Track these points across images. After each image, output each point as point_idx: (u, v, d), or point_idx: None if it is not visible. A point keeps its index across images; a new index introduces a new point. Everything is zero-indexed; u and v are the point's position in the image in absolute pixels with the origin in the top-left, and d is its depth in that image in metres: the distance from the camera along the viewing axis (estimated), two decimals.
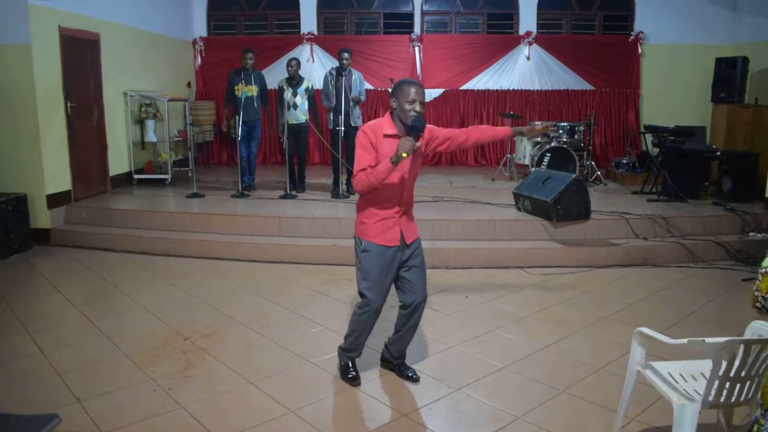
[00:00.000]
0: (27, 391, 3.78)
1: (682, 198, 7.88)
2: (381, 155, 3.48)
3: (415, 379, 3.95)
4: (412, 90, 3.49)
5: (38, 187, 7.23)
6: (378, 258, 3.64)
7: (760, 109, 8.97)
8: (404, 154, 3.36)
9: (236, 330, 4.78)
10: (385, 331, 4.25)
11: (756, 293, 2.41)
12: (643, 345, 3.02)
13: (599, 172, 9.54)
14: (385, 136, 3.53)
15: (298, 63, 8.45)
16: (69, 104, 7.58)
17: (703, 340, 2.59)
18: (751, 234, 7.05)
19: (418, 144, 3.47)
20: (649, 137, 9.00)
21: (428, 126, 3.69)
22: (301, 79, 8.37)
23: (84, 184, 8.02)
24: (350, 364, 3.99)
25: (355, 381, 3.92)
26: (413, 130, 3.46)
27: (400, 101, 3.52)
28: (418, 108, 3.48)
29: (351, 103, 7.85)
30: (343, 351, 3.99)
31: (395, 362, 4.06)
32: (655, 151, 8.93)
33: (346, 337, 3.95)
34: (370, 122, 3.67)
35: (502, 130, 3.87)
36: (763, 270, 2.39)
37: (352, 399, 3.76)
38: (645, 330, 2.96)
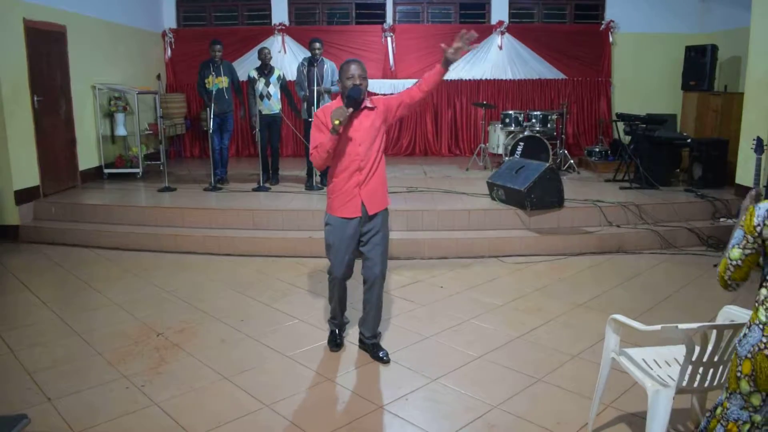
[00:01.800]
0: None
1: (654, 185, 7.96)
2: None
3: (385, 361, 4.09)
4: (352, 66, 3.82)
5: (5, 182, 7.09)
6: (338, 230, 3.94)
7: (729, 97, 9.08)
8: (336, 122, 3.63)
9: (210, 325, 4.73)
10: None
11: (729, 281, 2.44)
12: (618, 332, 3.04)
13: (572, 161, 9.60)
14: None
15: (270, 51, 8.39)
16: (36, 98, 7.42)
17: (677, 327, 2.61)
18: (722, 220, 7.14)
19: (350, 110, 3.69)
20: (620, 125, 9.07)
21: (383, 98, 4.00)
22: (272, 69, 8.29)
23: (53, 179, 7.87)
24: (335, 332, 4.34)
25: (335, 347, 4.26)
26: (350, 99, 3.72)
27: (342, 79, 3.85)
28: (357, 81, 3.77)
29: (322, 93, 7.76)
30: (329, 319, 4.36)
31: (368, 342, 4.22)
32: (627, 139, 9.00)
33: (329, 303, 4.32)
34: (323, 105, 4.02)
35: (436, 70, 3.81)
36: (735, 262, 2.42)
37: (329, 392, 3.74)
38: (619, 317, 2.98)
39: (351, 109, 3.70)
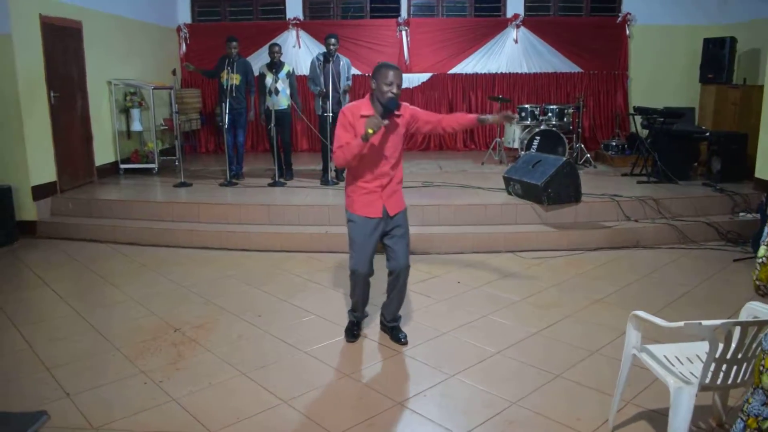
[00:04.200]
0: (15, 386, 3.72)
1: (672, 179, 7.89)
2: (358, 134, 3.76)
3: (403, 343, 4.27)
4: (391, 73, 3.79)
5: (23, 178, 7.13)
6: (361, 228, 4.01)
7: (748, 90, 8.97)
8: (370, 131, 3.66)
9: (227, 320, 4.74)
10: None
11: (757, 282, 2.39)
12: (639, 328, 3.00)
13: (588, 155, 9.52)
14: (362, 116, 3.81)
15: (280, 48, 8.35)
16: (52, 94, 7.46)
17: (700, 323, 2.57)
18: (741, 214, 7.06)
19: (386, 122, 3.76)
20: (638, 119, 8.97)
21: (411, 107, 4.06)
22: (281, 64, 8.27)
23: (69, 175, 7.91)
24: (354, 323, 4.40)
25: (352, 338, 4.32)
26: (385, 110, 3.79)
27: (379, 83, 3.81)
28: (395, 90, 3.79)
29: (341, 91, 7.76)
30: (349, 311, 4.42)
31: (389, 325, 4.38)
32: (644, 132, 8.91)
33: (350, 295, 4.34)
34: (350, 103, 4.03)
35: (470, 119, 4.12)
36: (761, 260, 2.37)
37: (347, 388, 3.73)
38: (641, 313, 2.94)
39: (386, 121, 3.77)
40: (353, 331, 4.36)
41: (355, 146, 3.74)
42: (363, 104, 3.91)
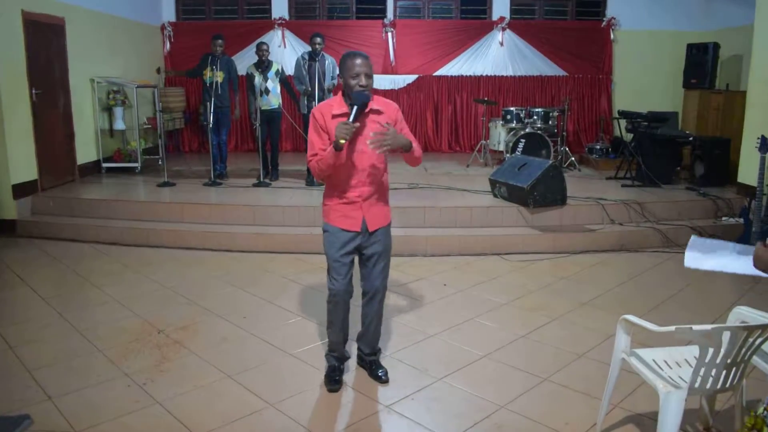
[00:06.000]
0: None
1: (656, 183, 7.93)
2: (333, 136, 3.28)
3: (383, 381, 3.75)
4: (356, 62, 3.32)
5: (3, 176, 7.02)
6: (336, 240, 3.51)
7: (730, 95, 9.06)
8: (341, 141, 3.19)
9: (212, 322, 4.69)
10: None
11: None
12: (629, 332, 3.00)
13: (573, 158, 9.56)
14: (334, 116, 3.36)
15: (268, 47, 8.31)
16: (34, 91, 7.35)
17: (690, 328, 2.57)
18: (723, 218, 7.12)
19: (356, 125, 3.25)
20: (622, 123, 9.03)
21: (396, 110, 3.53)
22: (270, 63, 8.22)
23: (51, 174, 7.81)
24: (334, 368, 3.77)
25: (333, 386, 3.67)
26: (354, 107, 3.27)
27: (345, 77, 3.35)
28: (363, 81, 3.30)
29: (326, 91, 7.72)
30: (327, 351, 3.84)
31: (366, 359, 3.87)
32: (628, 136, 8.95)
33: (327, 332, 3.81)
34: (321, 103, 3.56)
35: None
36: None
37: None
38: (631, 317, 2.94)
39: (357, 124, 3.26)
40: (335, 377, 3.72)
41: (329, 156, 3.25)
42: (335, 102, 3.42)
